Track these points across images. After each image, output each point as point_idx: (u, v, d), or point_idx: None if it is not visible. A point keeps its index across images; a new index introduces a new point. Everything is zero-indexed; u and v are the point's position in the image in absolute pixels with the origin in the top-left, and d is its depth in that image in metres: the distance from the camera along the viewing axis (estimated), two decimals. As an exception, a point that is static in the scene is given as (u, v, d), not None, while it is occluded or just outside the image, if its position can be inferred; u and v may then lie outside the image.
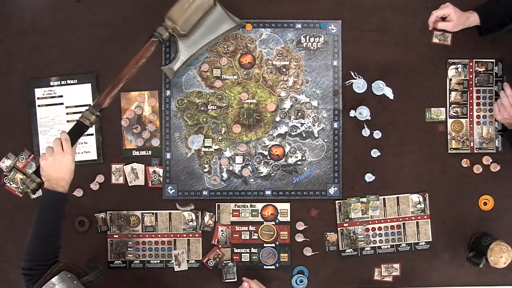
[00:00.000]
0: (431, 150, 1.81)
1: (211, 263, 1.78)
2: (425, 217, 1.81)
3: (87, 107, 1.60)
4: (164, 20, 1.63)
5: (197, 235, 1.79)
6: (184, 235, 1.79)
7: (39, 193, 1.76)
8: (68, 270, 1.46)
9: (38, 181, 1.55)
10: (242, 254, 1.80)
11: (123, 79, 1.61)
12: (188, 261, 1.79)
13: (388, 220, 1.81)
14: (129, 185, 1.78)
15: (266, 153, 1.80)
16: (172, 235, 1.79)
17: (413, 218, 1.81)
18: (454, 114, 1.82)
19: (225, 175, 1.79)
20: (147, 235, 1.79)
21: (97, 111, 1.58)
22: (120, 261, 1.79)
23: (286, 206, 1.80)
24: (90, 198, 1.78)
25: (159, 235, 1.79)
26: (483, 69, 1.81)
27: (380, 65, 1.80)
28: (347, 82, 1.80)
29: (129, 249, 1.79)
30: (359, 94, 1.80)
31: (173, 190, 1.78)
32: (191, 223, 1.79)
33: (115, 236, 1.78)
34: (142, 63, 1.62)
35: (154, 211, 1.79)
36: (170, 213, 1.79)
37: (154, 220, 1.79)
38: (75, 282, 1.45)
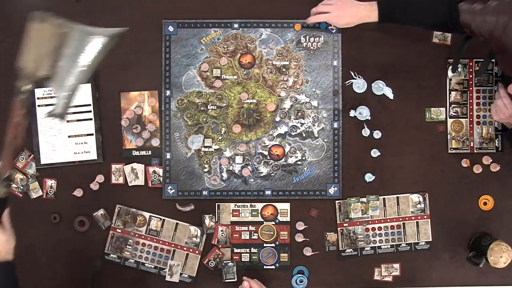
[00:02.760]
0: (431, 150, 1.81)
1: (212, 264, 1.78)
2: (425, 217, 1.81)
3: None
4: (18, 72, 1.39)
5: (197, 252, 1.77)
6: (185, 249, 1.78)
7: (38, 194, 1.77)
8: None
9: None
10: (242, 254, 1.79)
11: (12, 142, 1.35)
12: (181, 274, 1.77)
13: (388, 220, 1.81)
14: (129, 185, 1.78)
15: (266, 153, 1.79)
16: (173, 245, 1.78)
17: (413, 218, 1.81)
18: (454, 114, 1.81)
19: (225, 175, 1.79)
20: (149, 238, 1.78)
21: (1, 180, 1.35)
22: (115, 256, 1.78)
23: (286, 206, 1.80)
24: (90, 198, 1.78)
25: (161, 242, 1.78)
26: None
27: (380, 65, 1.80)
28: (347, 82, 1.80)
29: (127, 246, 1.78)
30: (359, 94, 1.80)
31: (173, 190, 1.78)
32: (194, 239, 1.78)
33: (118, 230, 1.78)
34: (23, 123, 1.37)
35: (163, 217, 1.78)
36: (177, 223, 1.77)
37: (160, 226, 1.78)
38: None
